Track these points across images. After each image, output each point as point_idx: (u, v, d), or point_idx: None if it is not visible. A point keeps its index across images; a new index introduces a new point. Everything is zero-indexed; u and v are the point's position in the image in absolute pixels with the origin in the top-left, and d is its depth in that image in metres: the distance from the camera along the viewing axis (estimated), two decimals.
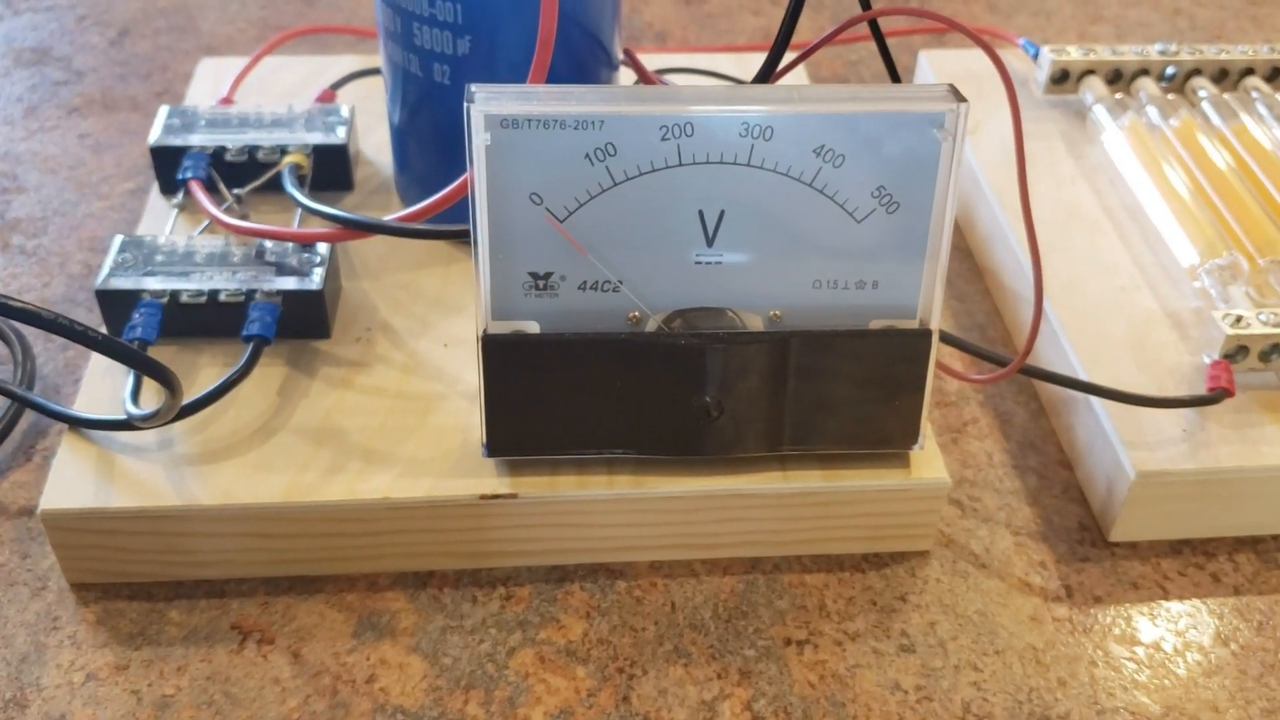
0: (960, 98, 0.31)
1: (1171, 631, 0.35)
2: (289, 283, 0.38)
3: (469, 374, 0.38)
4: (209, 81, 0.50)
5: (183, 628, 0.34)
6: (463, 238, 0.34)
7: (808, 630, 0.35)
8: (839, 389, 0.34)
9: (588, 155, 0.31)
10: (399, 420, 0.36)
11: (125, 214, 0.48)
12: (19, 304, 0.29)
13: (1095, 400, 0.38)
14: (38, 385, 0.40)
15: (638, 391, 0.34)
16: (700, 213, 0.32)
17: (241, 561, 0.35)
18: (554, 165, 0.31)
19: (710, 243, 0.33)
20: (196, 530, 0.34)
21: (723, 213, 0.32)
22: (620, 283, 0.33)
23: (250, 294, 0.37)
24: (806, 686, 0.33)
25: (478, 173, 0.30)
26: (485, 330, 0.33)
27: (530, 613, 0.35)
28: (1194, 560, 0.37)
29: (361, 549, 0.35)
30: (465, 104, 0.30)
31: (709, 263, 0.33)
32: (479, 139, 0.30)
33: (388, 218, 0.36)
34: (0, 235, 0.47)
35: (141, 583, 0.35)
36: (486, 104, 0.30)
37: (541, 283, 0.33)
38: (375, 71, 0.49)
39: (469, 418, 0.36)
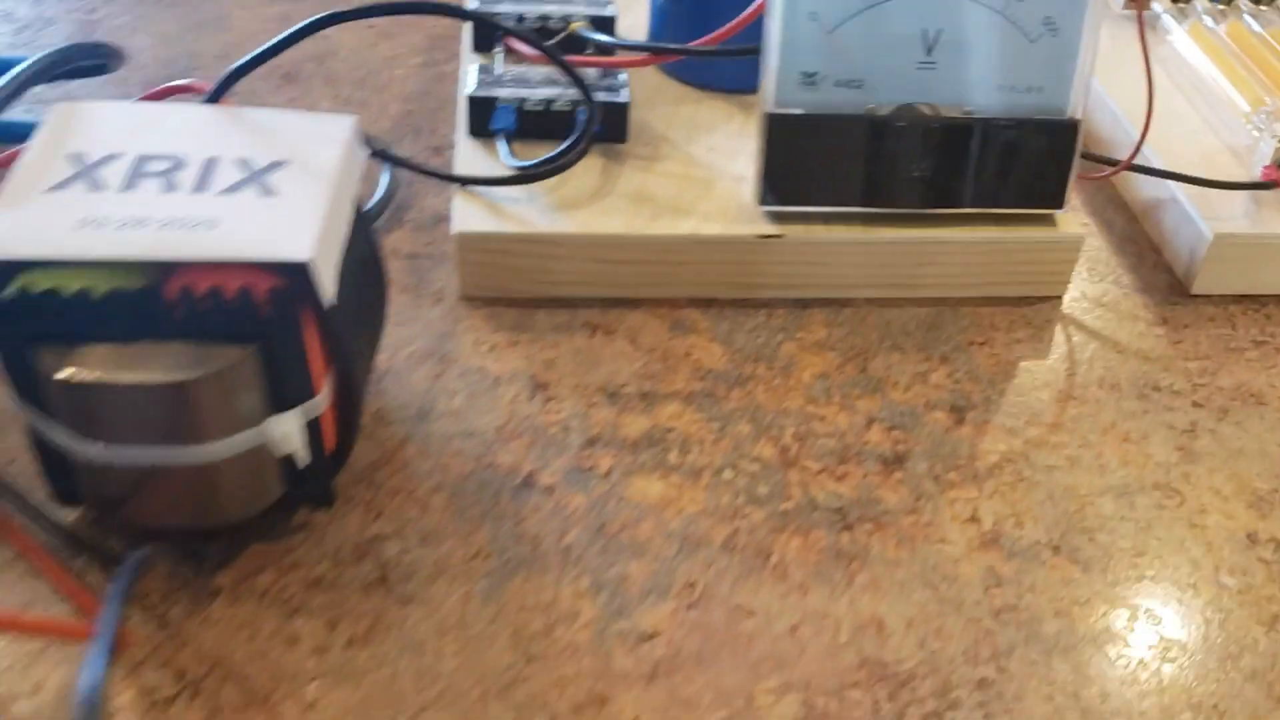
0: None
1: (1232, 337, 0.50)
2: (602, 96, 0.52)
3: (733, 165, 0.52)
4: None
5: (549, 324, 0.48)
6: (753, 54, 0.49)
7: (984, 337, 0.49)
8: (1011, 164, 0.49)
9: None
10: (690, 191, 0.50)
11: (435, 71, 0.63)
12: None
13: (1179, 190, 0.52)
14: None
15: (871, 161, 0.48)
16: (924, 30, 0.47)
17: (585, 283, 0.49)
18: None
19: (929, 53, 0.47)
20: (560, 254, 0.48)
21: (940, 31, 0.47)
22: (863, 81, 0.47)
23: (576, 103, 0.52)
24: (987, 366, 0.48)
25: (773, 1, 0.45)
26: (768, 110, 0.47)
27: (788, 323, 0.49)
28: (1253, 306, 0.52)
29: (669, 275, 0.49)
30: None
31: (926, 68, 0.47)
32: None
33: (693, 43, 0.51)
34: (331, 88, 0.61)
35: (513, 298, 0.49)
36: None
37: (809, 79, 0.47)
38: None
39: (740, 190, 0.51)
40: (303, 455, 0.37)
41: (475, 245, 0.48)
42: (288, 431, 0.36)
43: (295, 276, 0.34)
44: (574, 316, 0.49)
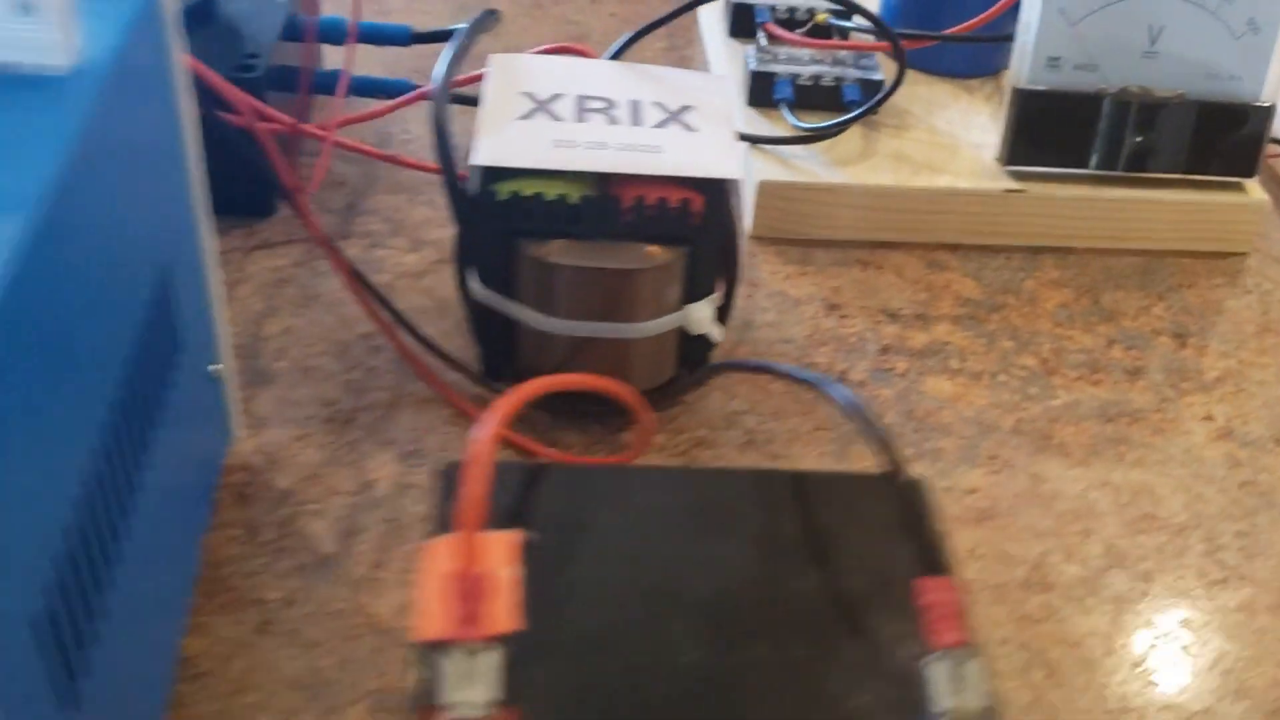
0: None
1: None
2: (859, 75, 0.62)
3: (968, 135, 0.62)
4: None
5: (827, 260, 0.58)
6: (1007, 41, 0.58)
7: (1190, 281, 0.59)
8: (1212, 138, 0.58)
9: None
10: (938, 154, 0.60)
11: (679, 55, 0.72)
12: None
13: None
14: None
15: (1099, 132, 0.58)
16: (1149, 25, 0.57)
17: (856, 227, 0.59)
18: None
19: (1152, 44, 0.57)
20: (838, 201, 0.58)
21: (1162, 27, 0.57)
22: (1097, 65, 0.57)
23: (840, 80, 0.61)
24: (1197, 303, 0.57)
25: None
26: (1017, 87, 0.57)
27: (1024, 265, 0.59)
28: None
29: (926, 222, 0.59)
30: None
31: (1149, 57, 0.57)
32: None
33: (947, 31, 0.61)
34: None
35: (794, 239, 0.59)
36: None
37: (1053, 62, 0.57)
38: None
39: (981, 154, 0.60)
40: (717, 335, 0.46)
41: (772, 192, 0.57)
42: (703, 317, 0.45)
43: (720, 194, 0.44)
44: (846, 254, 0.58)
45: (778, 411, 0.49)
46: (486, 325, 0.46)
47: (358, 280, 0.47)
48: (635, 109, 0.46)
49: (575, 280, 0.44)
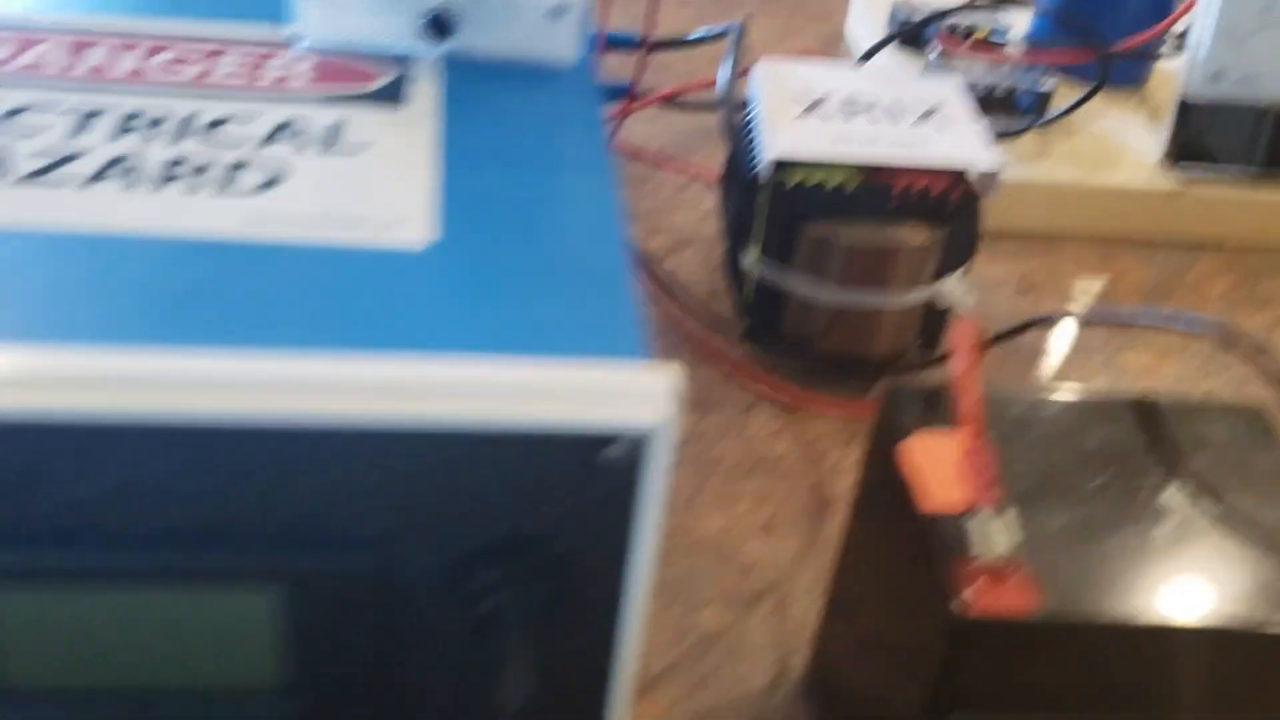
0: None
1: None
2: (1026, 83, 0.69)
3: (1129, 139, 0.69)
4: None
5: (1012, 249, 0.64)
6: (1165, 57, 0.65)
7: None
8: None
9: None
10: (1106, 157, 0.67)
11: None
12: None
13: None
14: None
15: (1257, 135, 0.65)
16: None
17: (1033, 221, 0.65)
18: None
19: None
20: (1020, 195, 0.65)
21: None
22: (1257, 79, 0.64)
23: (1012, 89, 0.68)
24: None
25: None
26: (1183, 99, 0.64)
27: (1188, 258, 0.65)
28: None
29: (1098, 218, 0.66)
30: None
31: None
32: None
33: (1114, 49, 0.68)
34: None
35: None
36: None
37: (1217, 76, 0.64)
38: None
39: (1146, 156, 0.67)
40: (969, 303, 0.53)
41: None
42: (954, 289, 0.52)
43: (970, 182, 0.50)
44: (1027, 244, 0.65)
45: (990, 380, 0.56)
46: (759, 295, 0.53)
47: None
48: (892, 109, 0.53)
49: (850, 256, 0.50)
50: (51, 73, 0.32)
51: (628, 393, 0.25)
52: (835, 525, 0.49)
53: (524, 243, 0.29)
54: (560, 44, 0.35)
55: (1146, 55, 0.70)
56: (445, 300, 0.27)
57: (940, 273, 0.52)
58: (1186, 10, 0.65)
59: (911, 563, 0.31)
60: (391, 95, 0.34)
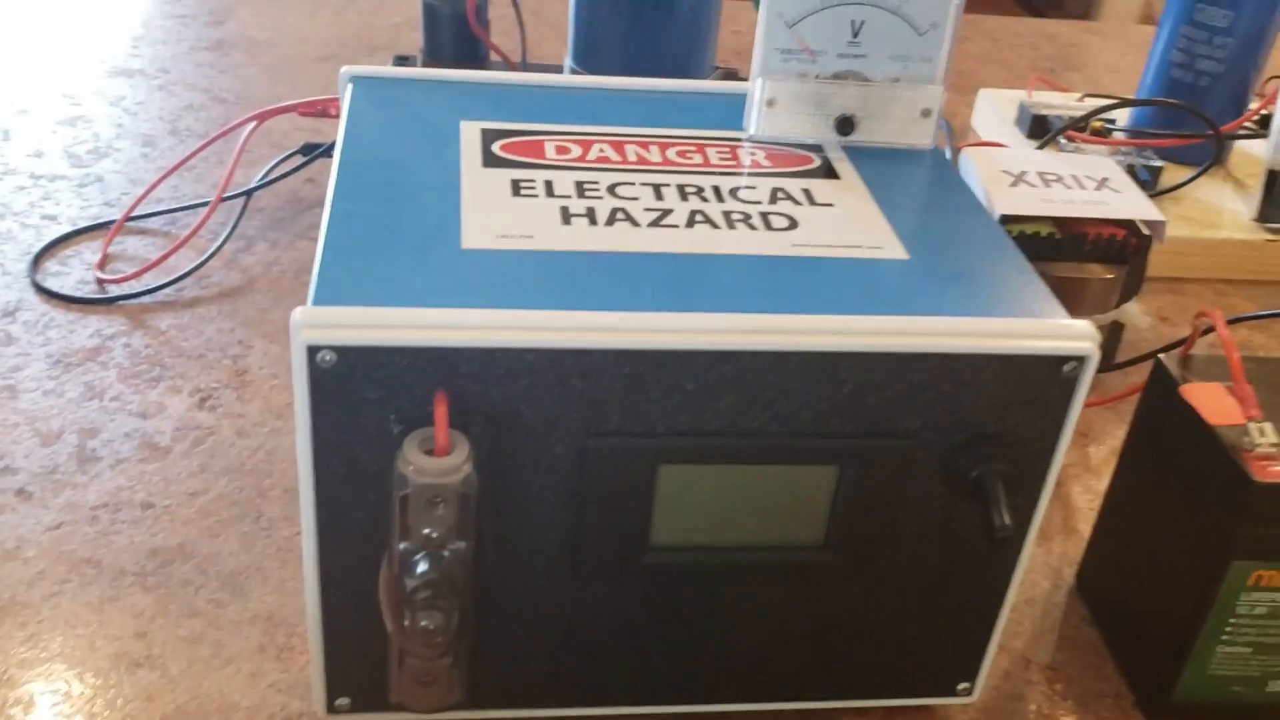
0: None
1: None
2: (1140, 161, 0.87)
3: (1221, 201, 0.86)
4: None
5: (1145, 289, 0.82)
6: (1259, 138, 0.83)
7: None
8: None
9: None
10: (1209, 216, 0.85)
11: None
12: None
13: None
14: None
15: None
16: None
17: (1158, 267, 0.83)
18: None
19: None
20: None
21: None
22: None
23: (1132, 166, 0.86)
24: None
25: None
26: (1270, 168, 0.82)
27: (1275, 296, 0.83)
28: None
29: (1208, 263, 0.83)
30: None
31: None
32: None
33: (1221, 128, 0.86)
34: None
35: None
36: None
37: None
38: None
39: (1239, 214, 0.85)
40: (1142, 323, 0.70)
41: None
42: (1135, 310, 0.69)
43: (1142, 231, 0.68)
44: (1154, 285, 0.82)
45: None
46: None
47: None
48: (1075, 179, 0.70)
49: (1055, 287, 0.67)
50: (616, 161, 0.49)
51: (1070, 334, 0.42)
52: (1087, 485, 0.65)
53: (964, 257, 0.46)
54: (925, 134, 0.52)
55: (1236, 137, 0.88)
56: (939, 289, 0.44)
57: (1121, 301, 0.69)
58: (1270, 101, 0.83)
59: (1199, 461, 0.47)
60: (829, 171, 0.51)
